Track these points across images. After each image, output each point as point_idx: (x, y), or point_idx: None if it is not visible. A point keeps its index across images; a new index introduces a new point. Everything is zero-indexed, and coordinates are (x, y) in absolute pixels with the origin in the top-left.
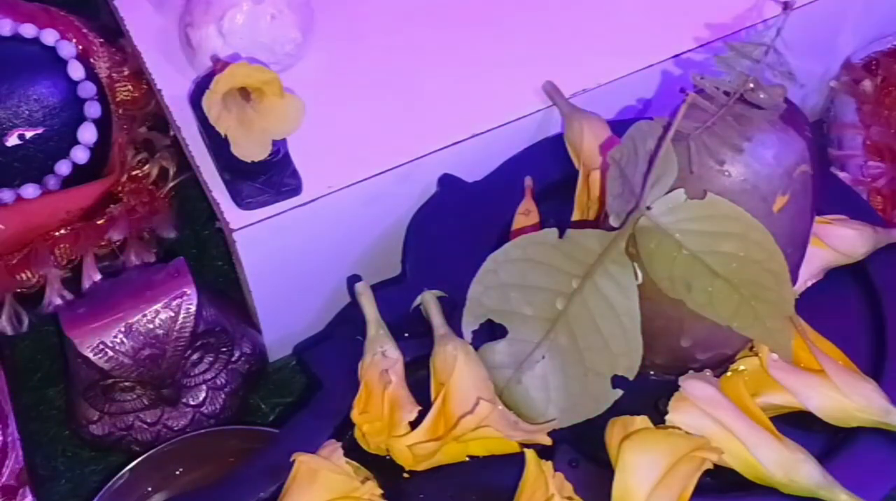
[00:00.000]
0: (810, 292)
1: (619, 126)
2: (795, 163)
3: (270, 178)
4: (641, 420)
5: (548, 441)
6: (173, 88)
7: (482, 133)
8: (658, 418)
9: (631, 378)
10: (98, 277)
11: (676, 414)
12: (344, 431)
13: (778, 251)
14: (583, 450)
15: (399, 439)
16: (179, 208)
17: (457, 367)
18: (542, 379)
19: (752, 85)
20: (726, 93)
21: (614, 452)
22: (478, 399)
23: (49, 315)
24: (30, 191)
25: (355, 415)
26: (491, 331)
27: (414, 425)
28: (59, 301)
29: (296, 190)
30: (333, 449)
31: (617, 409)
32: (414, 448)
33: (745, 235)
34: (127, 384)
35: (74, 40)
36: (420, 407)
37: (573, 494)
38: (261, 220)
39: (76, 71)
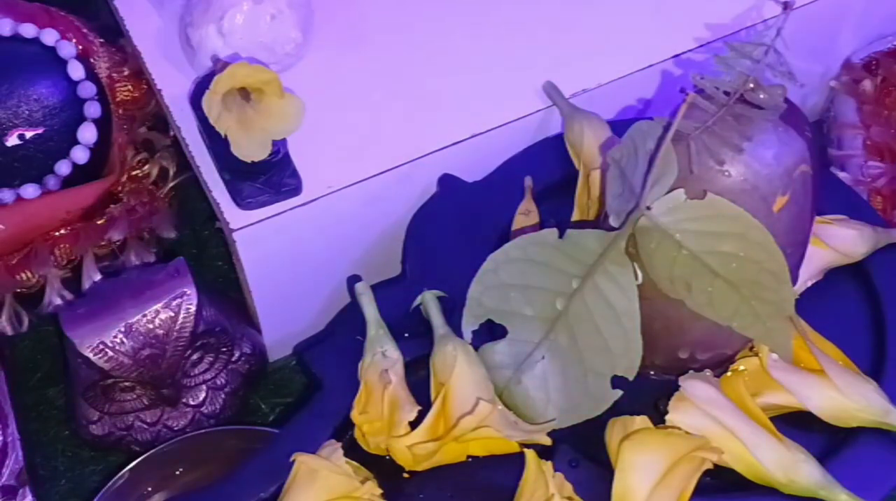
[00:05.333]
0: (810, 292)
1: (619, 126)
2: (795, 163)
3: (270, 178)
4: (641, 420)
5: (547, 441)
6: (173, 88)
7: (482, 133)
8: (658, 418)
9: (631, 378)
10: (98, 277)
11: (676, 413)
12: (344, 431)
13: (778, 251)
14: (583, 450)
15: (399, 439)
16: (179, 208)
17: (457, 367)
18: (542, 379)
19: (752, 85)
20: (726, 93)
21: (614, 452)
22: (477, 399)
23: (49, 315)
24: (30, 191)
25: (355, 415)
26: (491, 331)
27: (414, 425)
28: (59, 301)
29: (296, 190)
30: (333, 449)
31: (617, 409)
32: (414, 449)
33: (745, 235)
34: (127, 384)
35: (74, 40)
36: (420, 407)
37: (573, 494)
38: (261, 220)
39: (76, 71)
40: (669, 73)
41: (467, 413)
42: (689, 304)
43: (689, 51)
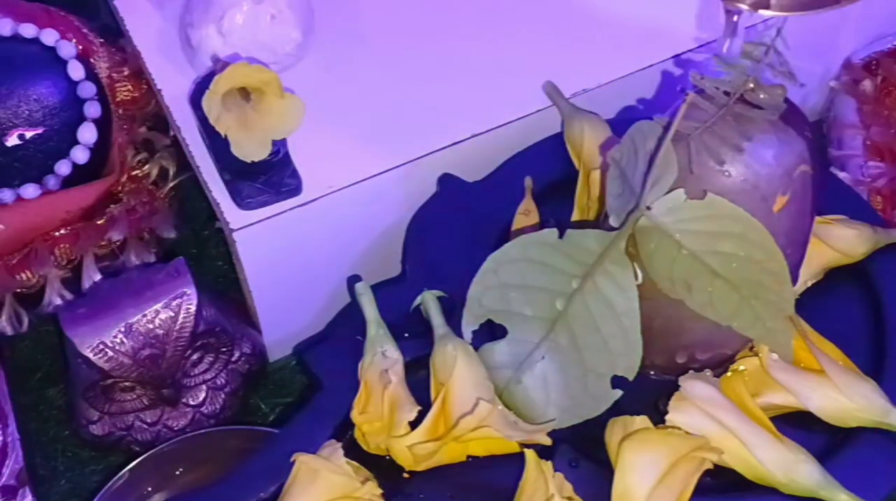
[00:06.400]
0: (810, 292)
1: (619, 126)
2: (795, 163)
3: (270, 178)
4: (641, 420)
5: (548, 441)
6: (173, 88)
7: (482, 133)
8: (658, 418)
9: (630, 378)
10: (98, 277)
11: (676, 413)
12: (344, 431)
13: (778, 251)
14: (583, 450)
15: (399, 439)
16: (179, 208)
17: (456, 367)
18: (542, 379)
19: (752, 85)
20: (726, 94)
21: (614, 452)
22: (477, 399)
23: (49, 315)
24: (30, 191)
25: (355, 416)
26: (491, 331)
27: (414, 425)
28: (59, 301)
29: (296, 190)
30: (333, 450)
31: (617, 409)
32: (414, 449)
33: (745, 235)
34: (127, 384)
35: (74, 40)
36: (420, 408)
37: (573, 494)
38: (261, 220)
39: (76, 71)
40: (669, 73)
41: (467, 413)
42: (689, 304)
43: (689, 51)
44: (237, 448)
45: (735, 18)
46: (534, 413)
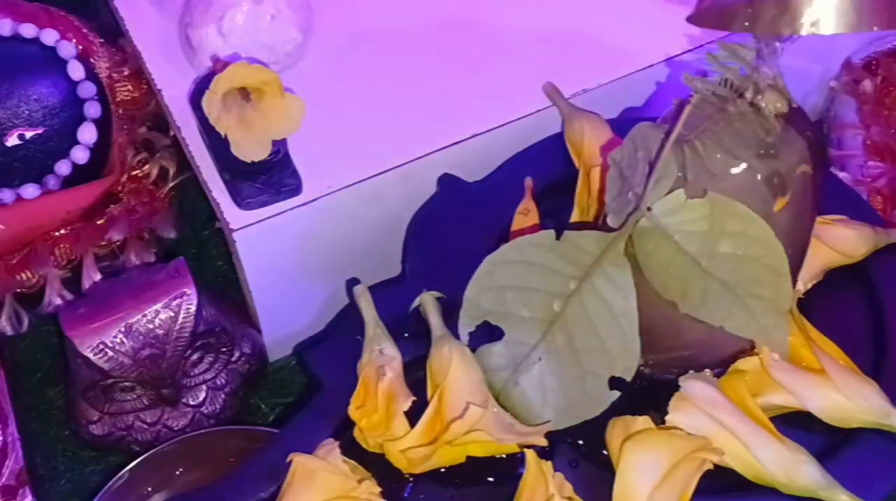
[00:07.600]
0: (810, 292)
1: (619, 126)
2: (796, 163)
3: (270, 178)
4: (643, 421)
5: (543, 442)
6: (173, 88)
7: (482, 133)
8: (658, 418)
9: (629, 379)
10: (98, 277)
11: (676, 414)
12: (344, 431)
13: (778, 245)
14: (583, 450)
15: (394, 443)
16: (179, 208)
17: (452, 369)
18: (539, 380)
19: (751, 88)
20: (726, 95)
21: (615, 452)
22: (467, 403)
23: (49, 315)
24: (30, 191)
25: (352, 411)
26: (491, 332)
27: (411, 425)
28: (59, 301)
29: (296, 190)
30: (330, 449)
31: (616, 410)
32: (408, 453)
33: (745, 232)
34: (127, 384)
35: (74, 40)
36: (415, 398)
37: (573, 494)
38: (261, 220)
39: (76, 71)
40: (670, 73)
41: (457, 417)
42: (682, 307)
43: (690, 51)
44: (237, 448)
45: (778, 51)
46: (531, 414)
